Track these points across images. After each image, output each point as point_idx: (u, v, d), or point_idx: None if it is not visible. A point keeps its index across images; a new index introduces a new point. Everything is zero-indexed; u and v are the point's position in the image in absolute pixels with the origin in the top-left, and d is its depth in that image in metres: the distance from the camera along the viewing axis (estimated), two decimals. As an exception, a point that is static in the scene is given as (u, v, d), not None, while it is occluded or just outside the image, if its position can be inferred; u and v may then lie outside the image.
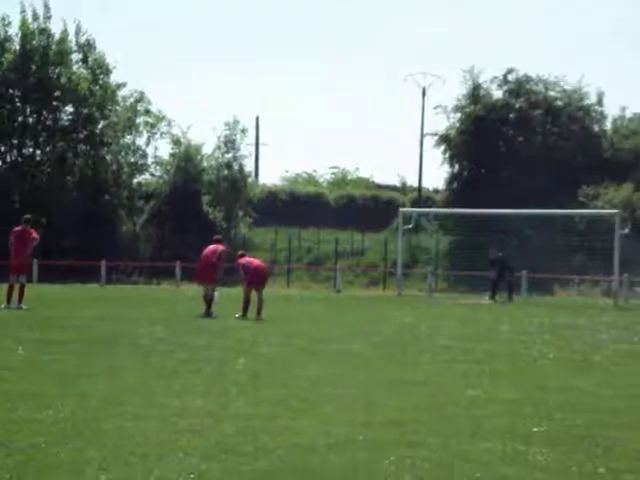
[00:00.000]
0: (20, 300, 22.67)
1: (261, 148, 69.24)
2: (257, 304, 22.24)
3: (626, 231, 33.62)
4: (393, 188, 64.96)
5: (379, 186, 66.64)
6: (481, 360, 14.65)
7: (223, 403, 10.02)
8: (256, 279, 22.64)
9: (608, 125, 52.18)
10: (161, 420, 9.01)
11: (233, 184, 49.01)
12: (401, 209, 41.88)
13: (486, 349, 16.25)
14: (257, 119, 69.09)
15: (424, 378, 12.44)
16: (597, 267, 38.32)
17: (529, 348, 16.58)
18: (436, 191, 59.00)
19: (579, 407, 10.36)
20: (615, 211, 35.84)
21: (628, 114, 52.83)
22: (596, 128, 51.25)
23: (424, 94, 56.29)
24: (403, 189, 63.64)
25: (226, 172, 49.19)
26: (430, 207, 51.10)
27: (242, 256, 23.56)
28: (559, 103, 50.96)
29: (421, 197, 56.13)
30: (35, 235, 23.59)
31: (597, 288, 39.18)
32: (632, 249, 34.15)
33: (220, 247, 23.42)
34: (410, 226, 40.13)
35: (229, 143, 49.37)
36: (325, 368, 13.17)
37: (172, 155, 48.95)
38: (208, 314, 22.45)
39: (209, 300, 22.77)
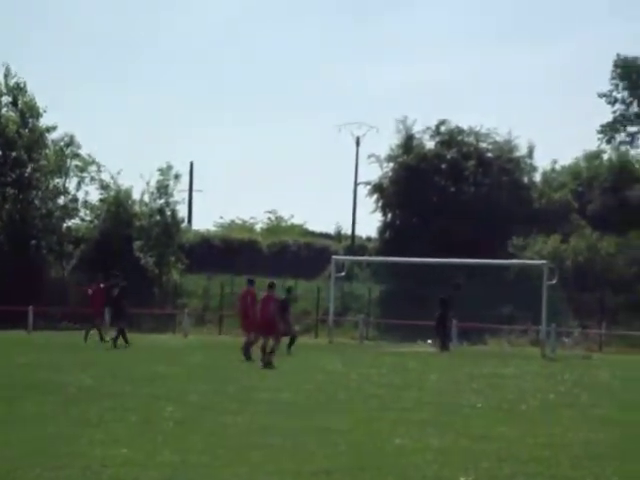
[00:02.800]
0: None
1: (195, 194, 69.09)
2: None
3: (554, 282, 34.06)
4: (327, 236, 65.13)
5: (313, 234, 66.79)
6: (410, 408, 14.68)
7: (148, 452, 9.89)
8: None
9: (538, 177, 53.20)
10: (83, 470, 8.86)
11: (165, 230, 48.83)
12: (334, 257, 41.98)
13: (415, 397, 16.29)
14: (191, 165, 69.02)
15: (353, 426, 12.42)
16: (526, 317, 38.76)
17: (457, 397, 16.66)
18: (369, 239, 59.34)
19: (505, 456, 10.42)
20: (543, 262, 36.33)
21: (557, 167, 53.97)
22: (526, 180, 52.16)
23: (358, 143, 56.85)
24: (338, 237, 63.87)
25: (158, 218, 49.03)
26: (363, 255, 51.32)
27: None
28: (490, 155, 51.80)
29: (354, 245, 56.40)
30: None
31: (526, 338, 39.57)
32: (559, 299, 34.63)
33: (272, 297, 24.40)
34: (343, 274, 40.22)
35: (162, 189, 49.26)
36: (255, 416, 13.09)
37: (102, 200, 48.77)
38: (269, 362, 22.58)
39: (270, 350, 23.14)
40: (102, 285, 32.92)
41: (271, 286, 24.61)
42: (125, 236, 47.24)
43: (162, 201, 49.39)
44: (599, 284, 42.22)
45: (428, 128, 52.14)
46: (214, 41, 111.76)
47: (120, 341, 28.84)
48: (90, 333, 31.53)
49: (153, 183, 49.22)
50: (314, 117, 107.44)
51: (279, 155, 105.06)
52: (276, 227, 68.88)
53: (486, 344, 39.10)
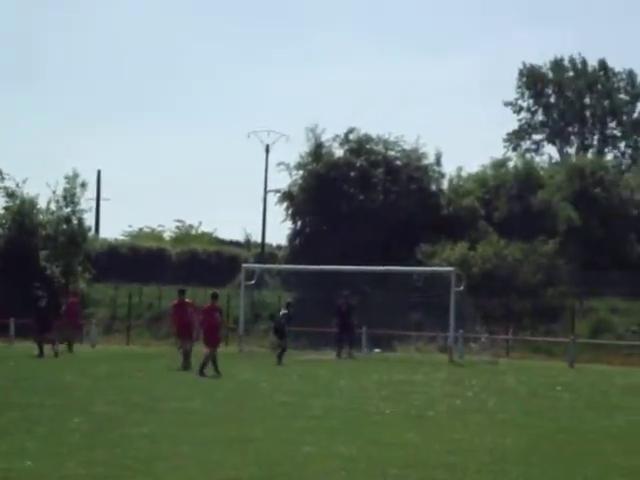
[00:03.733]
0: None
1: (103, 202, 68.34)
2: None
3: (461, 288, 34.48)
4: (237, 244, 64.98)
5: (223, 242, 66.60)
6: (318, 416, 14.71)
7: (54, 464, 9.73)
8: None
9: (445, 184, 53.78)
10: (-14, 483, 8.68)
11: (72, 238, 48.11)
12: (244, 265, 41.86)
13: (324, 405, 16.32)
14: (99, 173, 68.27)
15: (262, 435, 12.39)
16: (434, 323, 39.11)
17: (366, 404, 16.75)
18: (279, 247, 59.35)
19: (413, 462, 10.50)
20: (451, 269, 36.75)
21: (464, 174, 54.63)
22: (434, 187, 52.67)
23: (268, 151, 56.85)
24: (247, 245, 63.75)
25: (65, 226, 48.30)
26: (273, 263, 51.27)
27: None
28: (398, 163, 52.20)
29: (264, 253, 56.34)
30: None
31: (434, 344, 39.94)
32: (467, 306, 35.05)
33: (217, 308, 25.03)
34: (253, 282, 40.12)
35: (68, 197, 48.54)
36: (163, 426, 12.97)
37: (6, 208, 47.90)
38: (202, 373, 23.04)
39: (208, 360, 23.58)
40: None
41: (214, 297, 24.73)
42: (31, 245, 46.43)
43: (69, 209, 48.67)
44: (506, 290, 42.89)
45: (337, 136, 52.36)
46: (122, 47, 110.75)
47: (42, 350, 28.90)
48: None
49: (59, 191, 48.51)
50: (223, 125, 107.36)
51: (188, 163, 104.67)
52: (185, 235, 68.50)
53: (395, 351, 39.39)
